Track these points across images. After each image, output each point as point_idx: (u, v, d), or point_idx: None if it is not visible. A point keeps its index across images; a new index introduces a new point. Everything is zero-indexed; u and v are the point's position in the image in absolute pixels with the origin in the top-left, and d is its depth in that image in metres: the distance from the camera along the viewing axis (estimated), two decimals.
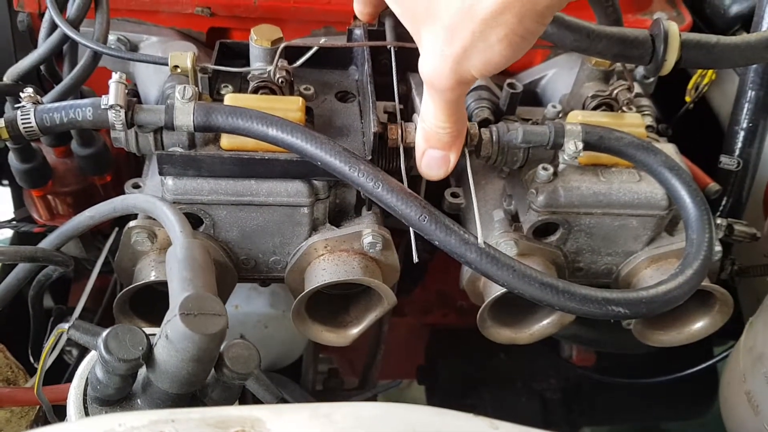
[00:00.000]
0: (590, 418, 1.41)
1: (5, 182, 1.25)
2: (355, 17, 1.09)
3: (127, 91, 0.75)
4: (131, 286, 0.80)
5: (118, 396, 0.54)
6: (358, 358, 1.39)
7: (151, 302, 0.84)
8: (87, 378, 0.55)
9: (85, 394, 0.55)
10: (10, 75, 0.90)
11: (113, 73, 0.76)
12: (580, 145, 0.80)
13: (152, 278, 0.80)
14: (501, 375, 1.35)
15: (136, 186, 0.88)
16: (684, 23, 1.20)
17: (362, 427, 0.41)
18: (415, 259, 0.74)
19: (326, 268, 0.84)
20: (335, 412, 0.41)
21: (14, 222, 1.10)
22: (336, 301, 0.91)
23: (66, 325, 0.53)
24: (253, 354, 0.54)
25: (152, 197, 0.67)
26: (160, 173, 0.79)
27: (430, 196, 0.95)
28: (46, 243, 0.73)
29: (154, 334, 0.53)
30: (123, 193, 0.91)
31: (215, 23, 1.11)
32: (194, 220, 0.82)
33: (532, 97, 1.12)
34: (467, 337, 1.06)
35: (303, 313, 0.86)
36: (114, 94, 0.74)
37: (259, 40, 0.87)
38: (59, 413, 0.61)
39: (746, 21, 1.18)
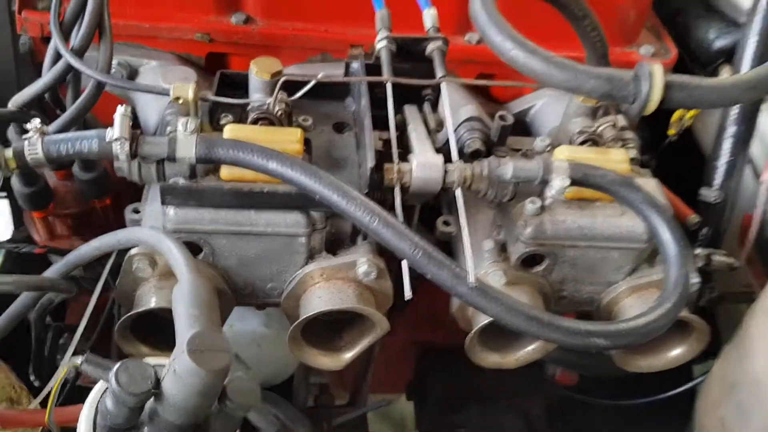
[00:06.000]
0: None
1: (3, 194, 1.27)
2: (352, 46, 1.14)
3: (131, 123, 0.78)
4: (133, 312, 0.83)
5: (127, 425, 0.57)
6: (348, 372, 1.42)
7: (151, 327, 0.87)
8: (97, 407, 0.57)
9: (94, 423, 0.57)
10: (15, 102, 0.92)
11: (118, 107, 0.79)
12: (567, 182, 0.84)
13: (153, 305, 0.83)
14: (487, 392, 1.38)
15: (136, 211, 0.91)
16: (669, 57, 1.25)
17: None
18: (408, 295, 0.77)
19: (322, 296, 0.87)
20: None
21: (14, 243, 1.12)
22: (330, 326, 0.94)
23: (79, 360, 0.56)
24: (254, 387, 0.57)
25: (157, 232, 0.70)
26: (163, 203, 0.82)
27: (423, 223, 1.00)
28: (52, 271, 0.75)
29: (162, 365, 0.56)
30: (122, 215, 0.94)
31: (214, 48, 1.14)
32: (194, 248, 0.85)
33: (522, 125, 1.16)
34: (455, 354, 1.09)
35: (299, 338, 0.89)
36: (119, 128, 0.77)
37: (259, 73, 0.90)
38: None
39: (729, 55, 1.23)
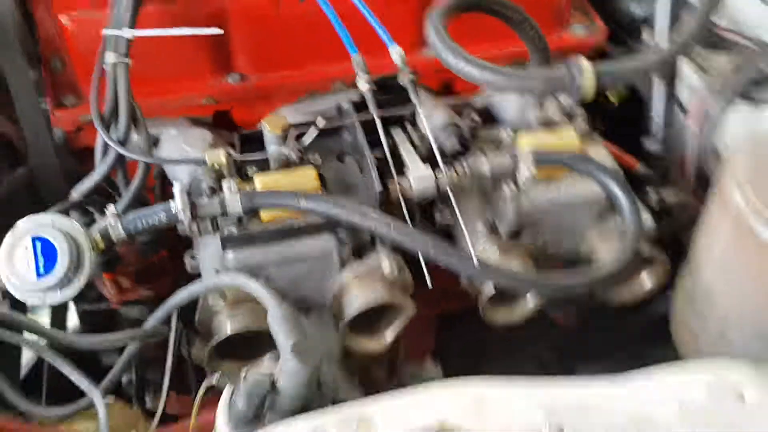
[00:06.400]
0: (584, 361, 1.66)
1: None
2: (334, 82, 1.34)
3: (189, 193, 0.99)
4: (216, 339, 1.04)
5: (253, 416, 0.79)
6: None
7: (228, 347, 1.08)
8: (229, 408, 0.79)
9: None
10: (80, 192, 1.13)
11: (175, 184, 0.99)
12: (533, 169, 1.06)
13: (229, 331, 1.04)
14: (502, 347, 1.60)
15: (193, 257, 1.12)
16: (601, 33, 1.46)
17: None
18: (430, 285, 0.99)
19: (358, 295, 1.08)
20: None
21: (88, 301, 1.33)
22: (368, 318, 1.15)
23: (214, 378, 0.77)
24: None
25: (237, 275, 0.91)
26: (223, 248, 1.03)
27: (422, 214, 1.21)
28: (154, 319, 0.96)
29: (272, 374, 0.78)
30: (178, 263, 1.15)
31: (219, 107, 1.34)
32: None
33: (486, 112, 1.36)
34: (470, 318, 1.30)
35: (347, 331, 1.11)
36: (180, 201, 0.98)
37: (272, 129, 1.11)
38: None
39: (648, 21, 1.45)
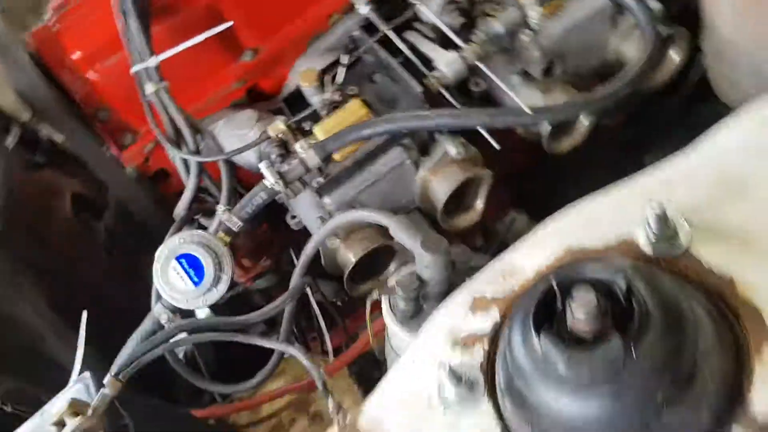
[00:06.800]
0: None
1: None
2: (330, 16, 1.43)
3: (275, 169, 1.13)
4: (348, 268, 1.20)
5: (413, 313, 0.96)
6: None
7: (358, 272, 1.25)
8: (393, 312, 0.96)
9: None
10: (181, 209, 1.28)
11: (262, 162, 1.14)
12: (540, 9, 1.15)
13: (354, 259, 1.20)
14: (575, 171, 1.72)
15: (293, 216, 1.28)
16: None
17: None
18: (497, 146, 1.11)
19: (441, 182, 1.22)
20: None
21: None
22: (455, 198, 1.29)
23: (390, 282, 0.93)
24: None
25: (348, 212, 1.09)
26: (320, 197, 1.18)
27: (462, 94, 1.32)
28: (296, 276, 1.14)
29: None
30: (278, 228, 1.31)
31: (248, 86, 1.46)
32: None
33: None
34: (538, 160, 1.42)
35: (444, 215, 1.26)
36: (272, 176, 1.12)
37: (308, 84, 1.23)
38: None
39: None
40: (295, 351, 1.00)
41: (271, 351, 1.18)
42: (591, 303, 0.60)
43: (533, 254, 0.78)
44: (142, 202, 1.49)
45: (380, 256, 1.24)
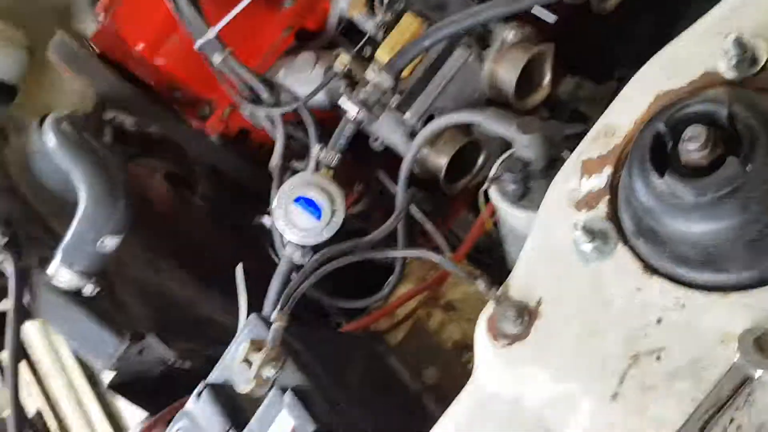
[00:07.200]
0: None
1: None
2: None
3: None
4: (443, 169, 1.29)
5: (523, 193, 1.05)
6: None
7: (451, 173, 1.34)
8: (502, 195, 1.05)
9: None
10: (276, 160, 1.39)
11: (341, 100, 1.22)
12: None
13: (446, 158, 1.29)
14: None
15: (376, 139, 1.37)
16: None
17: None
18: (553, 18, 1.16)
19: (507, 68, 1.28)
20: None
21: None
22: (523, 79, 1.35)
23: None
24: None
25: (437, 119, 1.17)
26: (402, 113, 1.26)
27: None
28: (401, 191, 1.24)
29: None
30: (364, 156, 1.41)
31: (295, 30, 1.52)
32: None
33: None
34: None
35: (516, 99, 1.32)
36: (354, 107, 1.21)
37: (358, 11, 1.29)
38: None
39: None
40: (425, 252, 1.11)
41: (383, 264, 1.30)
42: (702, 134, 0.67)
43: (626, 109, 0.86)
44: (231, 163, 1.60)
45: (466, 154, 1.33)
